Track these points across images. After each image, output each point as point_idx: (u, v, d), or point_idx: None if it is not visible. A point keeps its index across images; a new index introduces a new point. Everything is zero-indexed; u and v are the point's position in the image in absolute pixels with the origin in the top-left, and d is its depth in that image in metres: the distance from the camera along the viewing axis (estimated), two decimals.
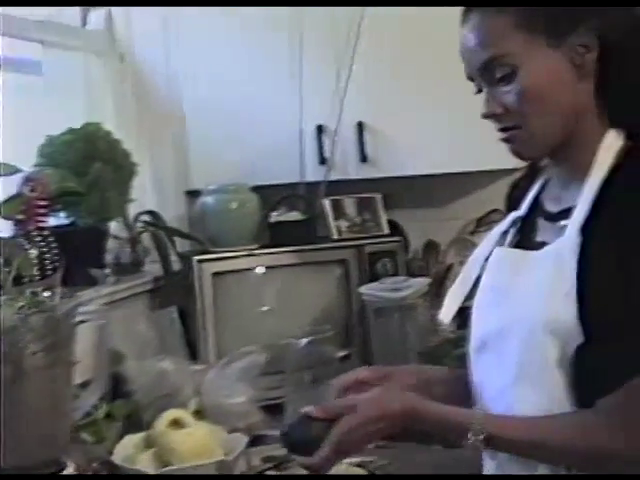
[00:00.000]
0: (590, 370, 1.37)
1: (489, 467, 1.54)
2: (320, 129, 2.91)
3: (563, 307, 1.37)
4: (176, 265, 2.90)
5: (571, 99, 1.45)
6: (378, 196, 2.99)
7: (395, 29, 2.81)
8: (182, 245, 2.98)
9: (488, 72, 1.46)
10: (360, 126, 2.90)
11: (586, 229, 1.40)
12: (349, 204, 2.96)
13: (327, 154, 2.91)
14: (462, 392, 1.62)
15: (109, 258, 2.72)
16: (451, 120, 2.77)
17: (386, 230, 2.95)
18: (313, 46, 2.84)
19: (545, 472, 1.41)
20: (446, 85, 2.51)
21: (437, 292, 2.70)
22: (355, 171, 2.95)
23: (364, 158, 2.91)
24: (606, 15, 1.44)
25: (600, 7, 1.43)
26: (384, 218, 2.97)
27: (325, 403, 1.51)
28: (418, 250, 3.20)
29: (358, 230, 2.93)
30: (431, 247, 3.17)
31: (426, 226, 3.23)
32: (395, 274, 2.81)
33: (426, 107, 2.83)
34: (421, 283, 2.72)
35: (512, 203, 1.69)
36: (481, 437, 1.38)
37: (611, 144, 1.45)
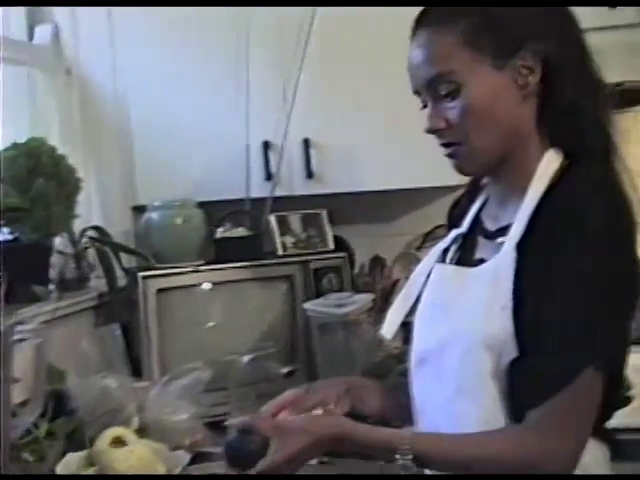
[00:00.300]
0: (522, 383, 1.40)
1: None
2: (266, 145, 2.91)
3: (499, 322, 1.40)
4: (122, 281, 2.88)
5: (512, 118, 1.48)
6: (323, 212, 3.00)
7: (342, 47, 2.83)
8: (129, 261, 2.96)
9: (433, 88, 1.50)
10: (306, 142, 2.90)
11: (522, 246, 1.43)
12: (295, 220, 2.96)
13: (273, 170, 2.92)
14: (398, 402, 1.67)
15: (54, 274, 2.68)
16: (396, 137, 2.79)
17: (331, 246, 2.97)
18: (260, 62, 2.84)
19: None
20: (391, 103, 2.53)
21: (383, 307, 2.71)
22: (301, 187, 2.95)
23: (310, 174, 2.91)
24: (549, 38, 1.47)
25: (543, 30, 1.47)
26: (330, 234, 2.98)
27: (261, 419, 1.53)
28: (365, 265, 3.21)
29: (303, 246, 2.94)
30: (377, 262, 3.18)
31: (373, 241, 3.25)
32: (340, 289, 2.83)
33: (372, 124, 2.84)
34: (365, 299, 2.73)
35: (453, 220, 1.73)
36: (410, 457, 1.39)
37: (549, 163, 1.48)
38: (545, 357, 1.37)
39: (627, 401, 2.34)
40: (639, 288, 1.45)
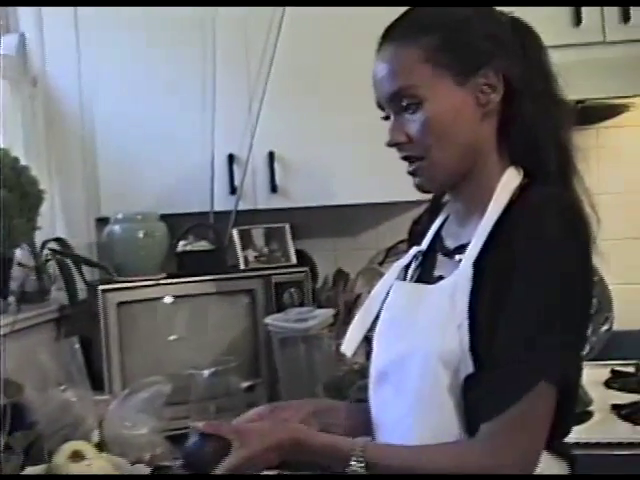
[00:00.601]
0: (476, 397, 1.42)
1: None
2: (231, 158, 2.94)
3: (456, 338, 1.43)
4: (83, 294, 2.88)
5: (473, 135, 1.51)
6: (286, 226, 3.04)
7: (306, 62, 2.87)
8: (92, 273, 2.98)
9: (395, 102, 1.53)
10: (271, 156, 2.93)
11: (479, 264, 1.45)
12: (257, 234, 3.00)
13: (237, 183, 2.94)
14: (364, 420, 1.67)
15: (14, 286, 2.70)
16: (360, 152, 2.82)
17: (293, 260, 3.01)
18: (226, 76, 2.88)
19: None
20: (356, 119, 2.56)
21: (345, 321, 2.75)
22: (265, 201, 2.98)
23: (274, 188, 2.94)
24: (512, 57, 1.51)
25: (506, 49, 1.51)
26: (292, 248, 3.02)
27: (216, 422, 1.55)
28: (328, 279, 3.25)
29: (265, 260, 2.98)
30: (341, 276, 3.21)
31: (336, 255, 3.29)
32: (302, 304, 2.86)
33: (336, 139, 2.87)
34: (326, 314, 2.77)
35: (414, 237, 1.75)
36: (362, 464, 1.43)
37: (509, 181, 1.51)
38: (497, 372, 1.39)
39: (588, 416, 2.46)
40: (592, 305, 1.48)
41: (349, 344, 1.71)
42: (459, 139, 1.52)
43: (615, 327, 3.02)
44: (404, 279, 1.70)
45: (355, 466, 1.43)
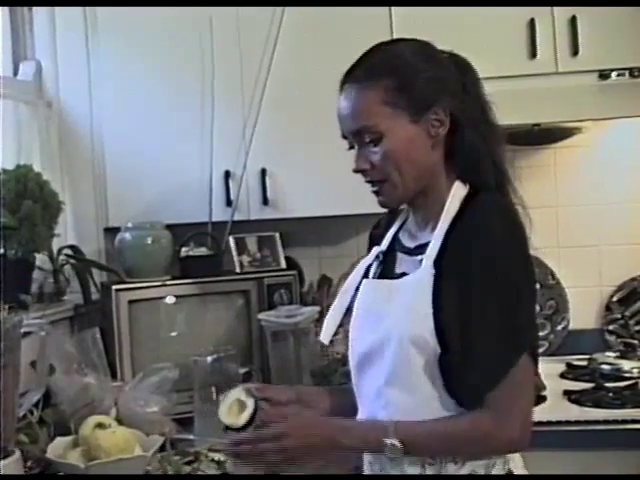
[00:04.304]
0: (454, 375, 1.63)
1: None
2: (227, 174, 3.10)
3: (423, 325, 1.63)
4: (94, 295, 3.07)
5: (425, 161, 1.71)
6: (277, 235, 3.19)
7: (294, 91, 3.05)
8: (100, 276, 3.15)
9: (359, 136, 1.70)
10: (263, 172, 3.08)
11: (438, 262, 1.66)
12: (251, 242, 3.14)
13: (233, 197, 3.10)
14: (342, 401, 1.88)
15: (34, 288, 2.87)
16: (341, 170, 2.89)
17: (283, 265, 3.15)
18: (223, 102, 3.06)
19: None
20: (336, 141, 2.77)
21: None
22: (257, 212, 3.12)
23: (266, 201, 3.09)
24: (455, 96, 1.71)
25: (450, 89, 1.70)
26: (282, 254, 3.17)
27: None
28: (313, 283, 3.41)
29: (258, 265, 3.11)
30: (325, 281, 3.38)
31: (321, 262, 3.45)
32: (290, 303, 3.01)
33: (320, 158, 3.01)
34: (312, 311, 2.92)
35: (374, 239, 1.94)
36: (397, 440, 1.61)
37: (457, 193, 1.72)
38: (484, 352, 1.59)
39: (542, 399, 2.70)
40: (536, 286, 1.73)
41: (325, 334, 1.87)
42: (414, 165, 1.69)
43: (571, 326, 3.31)
44: (366, 276, 1.85)
45: (392, 445, 1.61)
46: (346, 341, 1.86)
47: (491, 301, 1.60)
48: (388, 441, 1.61)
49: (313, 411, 1.84)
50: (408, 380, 1.67)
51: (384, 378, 1.70)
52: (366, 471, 1.77)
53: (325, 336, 1.88)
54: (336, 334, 1.87)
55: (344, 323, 1.86)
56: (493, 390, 1.60)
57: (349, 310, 1.85)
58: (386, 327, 1.70)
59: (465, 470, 1.67)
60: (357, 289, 1.85)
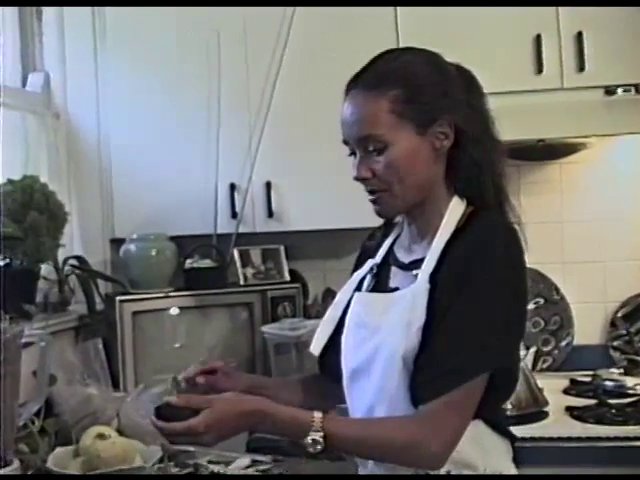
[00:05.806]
0: (421, 381, 1.60)
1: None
2: (232, 187, 3.12)
3: (416, 339, 1.61)
4: (99, 305, 3.06)
5: (427, 173, 1.69)
6: (281, 247, 3.21)
7: (298, 108, 3.07)
8: (105, 287, 3.16)
9: (363, 144, 1.67)
10: (268, 185, 3.09)
11: (433, 277, 1.64)
12: (255, 254, 3.17)
13: (238, 209, 3.11)
14: (314, 393, 1.91)
15: (38, 297, 2.87)
16: (345, 183, 2.93)
17: (287, 277, 3.17)
18: (229, 117, 3.08)
19: None
20: (340, 154, 2.77)
21: None
22: (262, 225, 3.13)
23: (270, 214, 3.10)
24: (460, 110, 1.69)
25: (455, 103, 1.68)
26: (286, 267, 3.19)
27: (187, 395, 1.64)
28: (318, 296, 3.41)
29: (262, 277, 3.14)
30: (329, 294, 3.35)
31: (325, 275, 3.44)
32: (294, 316, 3.03)
33: (324, 172, 3.02)
34: (315, 324, 2.66)
35: (367, 251, 1.92)
36: (321, 433, 1.54)
37: (455, 208, 1.71)
38: (444, 361, 1.56)
39: (545, 415, 2.69)
40: (527, 307, 1.71)
41: (316, 345, 1.86)
42: (416, 176, 1.67)
43: (575, 342, 3.29)
44: (359, 289, 1.83)
45: (314, 435, 1.54)
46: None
47: (471, 310, 1.58)
48: (313, 429, 1.56)
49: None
50: (396, 396, 1.64)
51: (373, 394, 1.69)
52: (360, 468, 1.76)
53: (315, 347, 1.87)
54: (326, 346, 1.85)
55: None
56: (436, 398, 1.56)
57: (341, 323, 1.83)
58: (378, 340, 1.69)
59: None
60: (349, 302, 1.83)
